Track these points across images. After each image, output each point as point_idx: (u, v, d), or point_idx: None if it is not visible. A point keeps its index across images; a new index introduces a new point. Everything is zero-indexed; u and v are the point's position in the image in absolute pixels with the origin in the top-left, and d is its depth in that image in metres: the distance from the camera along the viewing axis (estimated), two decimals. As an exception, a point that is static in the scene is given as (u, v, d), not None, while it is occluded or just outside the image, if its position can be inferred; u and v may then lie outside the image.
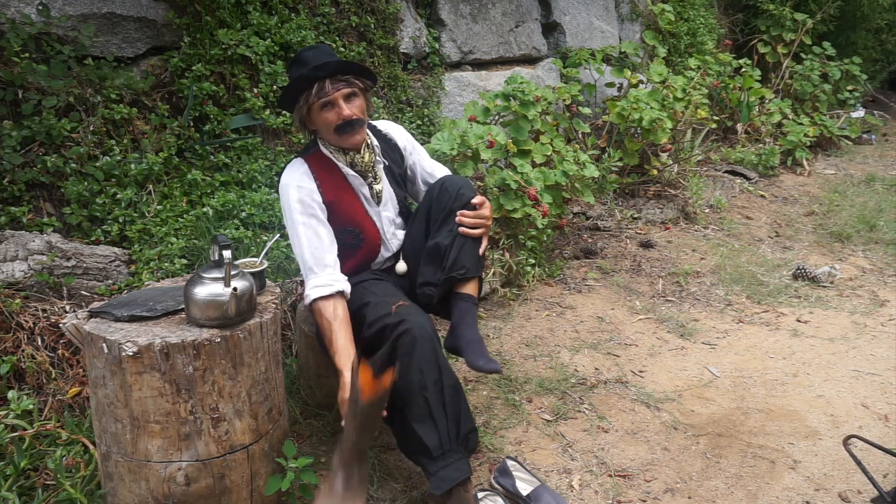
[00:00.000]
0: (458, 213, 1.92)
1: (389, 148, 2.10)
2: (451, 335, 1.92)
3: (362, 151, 1.97)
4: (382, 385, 1.63)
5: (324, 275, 1.84)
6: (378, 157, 2.03)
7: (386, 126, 2.15)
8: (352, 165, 1.96)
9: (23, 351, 2.02)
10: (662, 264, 3.68)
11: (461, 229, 1.91)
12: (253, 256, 2.25)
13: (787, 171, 5.69)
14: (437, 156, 3.04)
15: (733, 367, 2.66)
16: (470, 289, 1.96)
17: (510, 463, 1.91)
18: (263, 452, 1.66)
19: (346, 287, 1.87)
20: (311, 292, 1.83)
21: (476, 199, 1.95)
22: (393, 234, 2.08)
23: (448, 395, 1.74)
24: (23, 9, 2.46)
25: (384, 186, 2.04)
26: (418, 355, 1.71)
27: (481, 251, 1.96)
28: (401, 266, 2.05)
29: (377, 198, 2.02)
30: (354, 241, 1.98)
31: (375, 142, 2.05)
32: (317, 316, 1.84)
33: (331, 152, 1.95)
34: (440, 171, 2.20)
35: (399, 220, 2.11)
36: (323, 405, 2.20)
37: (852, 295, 3.39)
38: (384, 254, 2.07)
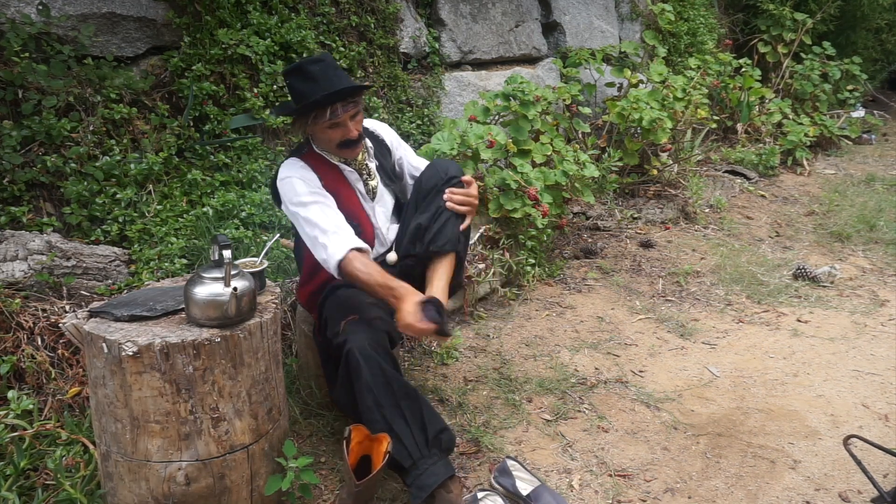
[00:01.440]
0: (445, 190, 1.94)
1: (379, 145, 2.15)
2: None
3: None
4: (378, 450, 1.71)
5: (346, 233, 1.85)
6: (371, 157, 2.09)
7: (373, 125, 2.20)
8: (346, 163, 2.02)
9: (23, 351, 2.02)
10: (662, 264, 3.68)
11: (448, 204, 1.92)
12: (253, 256, 2.25)
13: (787, 170, 5.69)
14: (436, 156, 3.04)
15: (733, 367, 2.66)
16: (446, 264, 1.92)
17: (510, 463, 1.91)
18: (263, 452, 1.66)
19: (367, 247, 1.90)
20: (345, 243, 1.81)
21: (465, 178, 1.98)
22: (388, 229, 2.11)
23: (405, 406, 1.74)
24: (23, 8, 2.45)
25: (378, 183, 2.09)
26: (365, 375, 1.71)
27: (462, 227, 1.96)
28: (391, 256, 2.06)
29: (372, 193, 2.06)
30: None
31: (369, 143, 2.10)
32: (351, 269, 1.79)
33: (323, 151, 2.00)
34: (423, 164, 2.22)
35: (393, 217, 2.15)
36: (323, 405, 2.20)
37: (852, 295, 3.39)
38: (378, 248, 2.08)
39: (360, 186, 2.03)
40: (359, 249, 1.82)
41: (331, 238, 1.82)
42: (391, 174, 2.16)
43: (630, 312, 3.14)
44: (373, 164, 2.08)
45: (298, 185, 1.89)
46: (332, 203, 1.92)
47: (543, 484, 1.86)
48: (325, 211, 1.87)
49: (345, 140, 1.90)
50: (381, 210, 2.09)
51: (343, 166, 2.00)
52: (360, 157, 2.03)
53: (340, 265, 1.80)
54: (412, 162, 2.22)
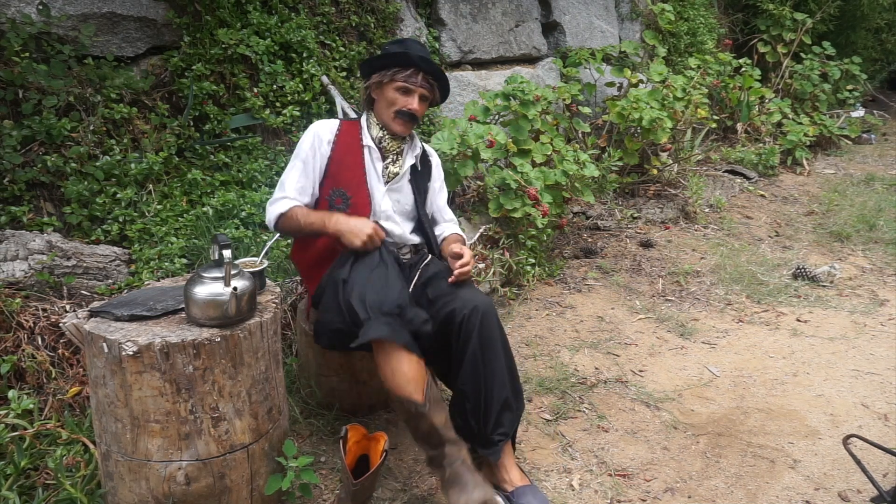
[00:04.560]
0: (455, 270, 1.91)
1: (425, 164, 2.19)
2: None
3: (397, 137, 2.08)
4: (375, 448, 1.73)
5: (297, 200, 1.98)
6: (411, 156, 2.11)
7: (432, 151, 2.27)
8: (378, 141, 2.05)
9: (23, 350, 2.02)
10: (662, 264, 3.68)
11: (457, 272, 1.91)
12: (253, 256, 2.25)
13: (787, 170, 5.69)
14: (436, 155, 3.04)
15: (733, 367, 2.66)
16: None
17: None
18: (263, 452, 1.66)
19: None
20: (283, 204, 1.96)
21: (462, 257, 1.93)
22: (387, 218, 2.05)
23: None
24: (23, 8, 2.45)
25: (402, 174, 2.08)
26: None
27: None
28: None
29: (388, 177, 2.05)
30: (342, 205, 2.00)
31: (418, 144, 2.15)
32: (288, 219, 1.95)
33: (368, 123, 2.07)
34: (448, 215, 2.26)
35: (398, 219, 2.08)
36: (323, 404, 2.20)
37: (852, 294, 3.39)
38: None
39: (378, 166, 2.04)
40: (297, 206, 1.96)
41: (283, 199, 1.97)
42: (422, 186, 2.17)
43: (630, 312, 3.14)
44: (409, 160, 2.10)
45: (308, 137, 2.01)
46: (315, 168, 2.01)
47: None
48: (299, 174, 1.99)
49: (405, 110, 1.98)
50: (394, 195, 2.06)
51: (368, 142, 2.04)
52: (396, 142, 2.06)
53: (278, 220, 1.97)
54: (439, 202, 2.24)
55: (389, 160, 2.06)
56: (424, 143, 2.23)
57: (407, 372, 1.69)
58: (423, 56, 1.98)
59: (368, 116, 2.08)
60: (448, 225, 2.25)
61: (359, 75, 3.48)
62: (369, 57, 2.15)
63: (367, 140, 2.04)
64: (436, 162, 2.26)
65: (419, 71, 1.98)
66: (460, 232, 2.25)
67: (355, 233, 1.84)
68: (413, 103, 1.99)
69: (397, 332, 1.69)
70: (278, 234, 2.30)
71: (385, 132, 2.05)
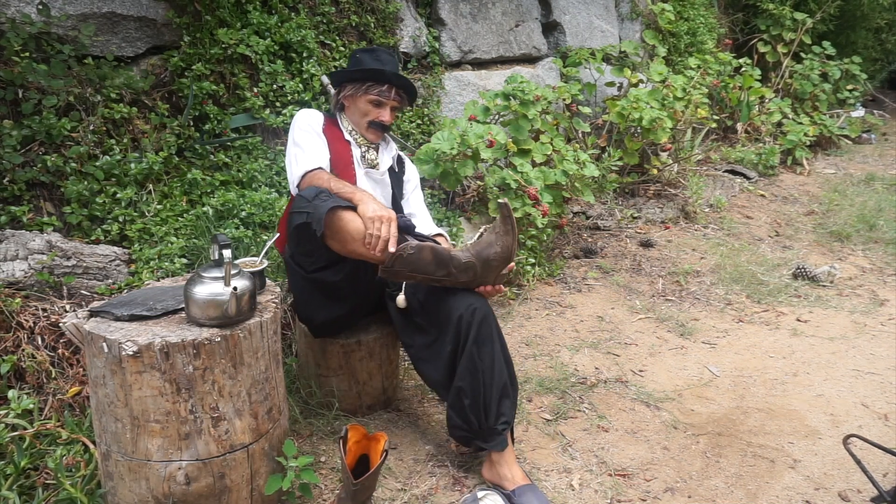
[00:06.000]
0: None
1: (400, 166, 2.31)
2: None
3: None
4: (375, 448, 1.73)
5: (322, 159, 2.01)
6: (386, 155, 2.23)
7: (406, 158, 2.38)
8: (350, 132, 2.18)
9: (23, 350, 2.02)
10: (662, 263, 3.68)
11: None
12: (253, 256, 2.25)
13: (787, 170, 5.69)
14: (436, 155, 3.04)
15: (733, 367, 2.66)
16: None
17: (480, 494, 1.80)
18: (263, 452, 1.66)
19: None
20: (308, 163, 1.98)
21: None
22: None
23: None
24: (23, 8, 2.45)
25: (381, 166, 2.20)
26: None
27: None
28: (401, 299, 1.99)
29: (367, 164, 2.18)
30: None
31: (393, 145, 2.27)
32: (313, 178, 1.94)
33: (341, 120, 2.19)
34: (423, 216, 2.30)
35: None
36: (323, 404, 2.20)
37: (852, 294, 3.39)
38: None
39: (356, 152, 2.14)
40: (321, 168, 1.99)
41: (306, 156, 2.00)
42: (398, 185, 2.27)
43: (630, 312, 3.14)
44: (386, 159, 2.21)
45: (308, 117, 2.10)
46: (324, 143, 2.08)
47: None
48: (314, 140, 2.05)
49: (377, 121, 2.11)
50: (371, 184, 2.15)
51: (350, 139, 2.15)
52: (367, 139, 2.17)
53: (304, 175, 1.96)
54: (412, 202, 2.30)
55: (364, 150, 2.19)
56: (400, 155, 2.34)
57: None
58: (396, 73, 2.11)
59: (340, 116, 2.21)
60: (427, 225, 2.29)
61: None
62: (343, 68, 2.29)
63: (347, 135, 2.17)
64: (409, 164, 2.36)
65: (392, 86, 2.10)
66: (440, 231, 2.29)
67: (377, 215, 1.75)
68: (385, 115, 2.13)
69: (337, 200, 1.79)
70: (278, 234, 2.30)
71: (356, 130, 2.18)
